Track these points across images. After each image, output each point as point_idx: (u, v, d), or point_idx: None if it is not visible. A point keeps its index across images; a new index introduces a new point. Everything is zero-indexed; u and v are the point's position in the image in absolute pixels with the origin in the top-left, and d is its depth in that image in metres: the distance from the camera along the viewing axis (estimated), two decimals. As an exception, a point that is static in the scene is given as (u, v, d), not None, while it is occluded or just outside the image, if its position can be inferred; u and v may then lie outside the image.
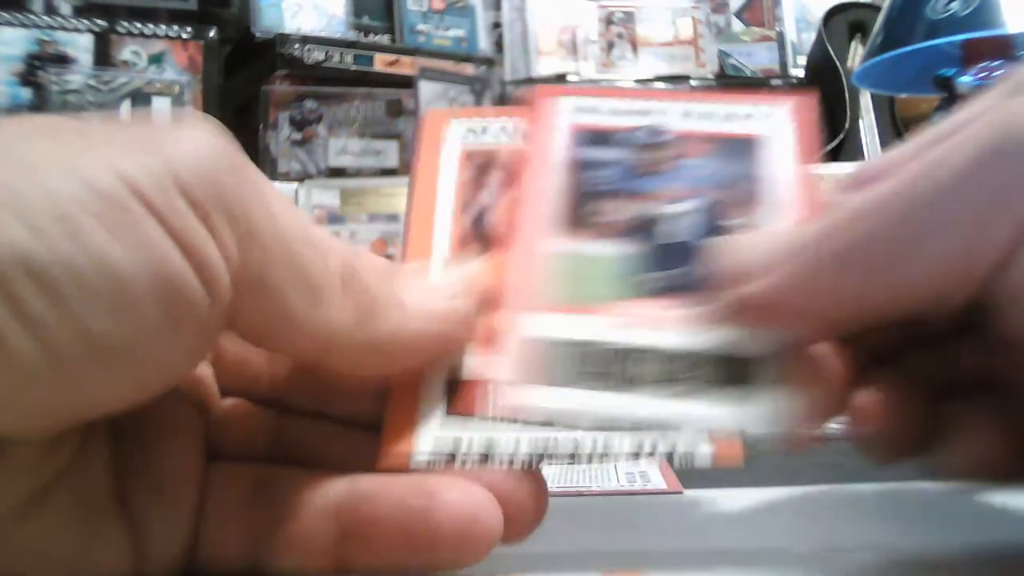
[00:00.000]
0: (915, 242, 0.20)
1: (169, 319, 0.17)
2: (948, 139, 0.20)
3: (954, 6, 0.81)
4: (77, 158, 0.17)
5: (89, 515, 0.19)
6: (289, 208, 0.20)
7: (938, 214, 0.20)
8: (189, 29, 1.10)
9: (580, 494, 0.33)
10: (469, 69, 1.17)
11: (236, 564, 0.21)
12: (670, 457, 0.22)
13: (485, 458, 0.22)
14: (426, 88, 1.13)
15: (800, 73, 1.24)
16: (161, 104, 1.08)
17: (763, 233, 0.24)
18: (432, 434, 0.22)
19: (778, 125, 0.28)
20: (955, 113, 0.22)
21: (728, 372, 0.23)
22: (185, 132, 0.19)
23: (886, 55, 0.87)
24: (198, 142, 0.18)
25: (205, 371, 0.23)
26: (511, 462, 0.22)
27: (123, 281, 0.16)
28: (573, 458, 0.22)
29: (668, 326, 0.24)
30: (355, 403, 0.23)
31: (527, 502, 0.21)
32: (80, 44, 1.05)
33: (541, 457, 0.22)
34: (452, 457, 0.22)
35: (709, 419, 0.22)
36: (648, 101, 0.28)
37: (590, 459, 0.22)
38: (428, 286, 0.23)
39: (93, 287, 0.16)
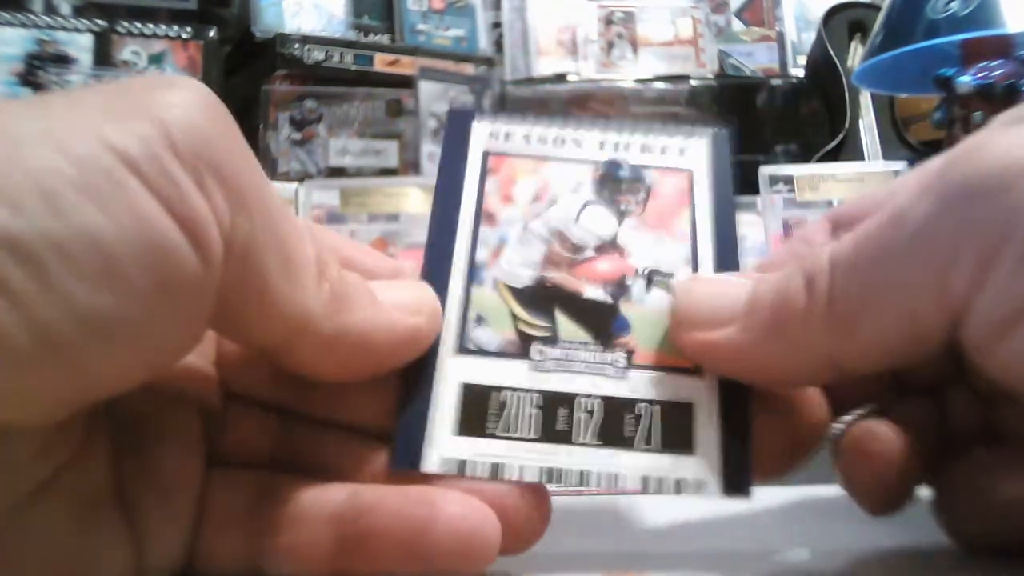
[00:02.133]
0: (880, 293, 0.20)
1: (160, 288, 0.17)
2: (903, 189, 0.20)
3: (954, 6, 0.81)
4: (63, 131, 0.16)
5: (89, 514, 0.19)
6: (268, 182, 0.19)
7: (902, 264, 0.20)
8: (189, 29, 1.10)
9: (580, 494, 0.33)
10: (469, 69, 1.17)
11: (234, 568, 0.21)
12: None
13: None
14: (426, 88, 1.13)
15: (800, 73, 1.24)
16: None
17: (727, 281, 0.24)
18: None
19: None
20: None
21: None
22: (175, 92, 0.18)
23: (886, 55, 0.87)
24: (189, 101, 0.18)
25: (209, 373, 0.23)
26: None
27: (111, 252, 0.16)
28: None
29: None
30: (361, 410, 0.23)
31: (529, 516, 0.21)
32: (80, 44, 1.05)
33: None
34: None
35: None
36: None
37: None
38: (402, 285, 0.23)
39: (80, 261, 0.16)
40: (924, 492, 0.25)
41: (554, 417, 0.23)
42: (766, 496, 0.31)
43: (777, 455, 0.24)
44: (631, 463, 0.23)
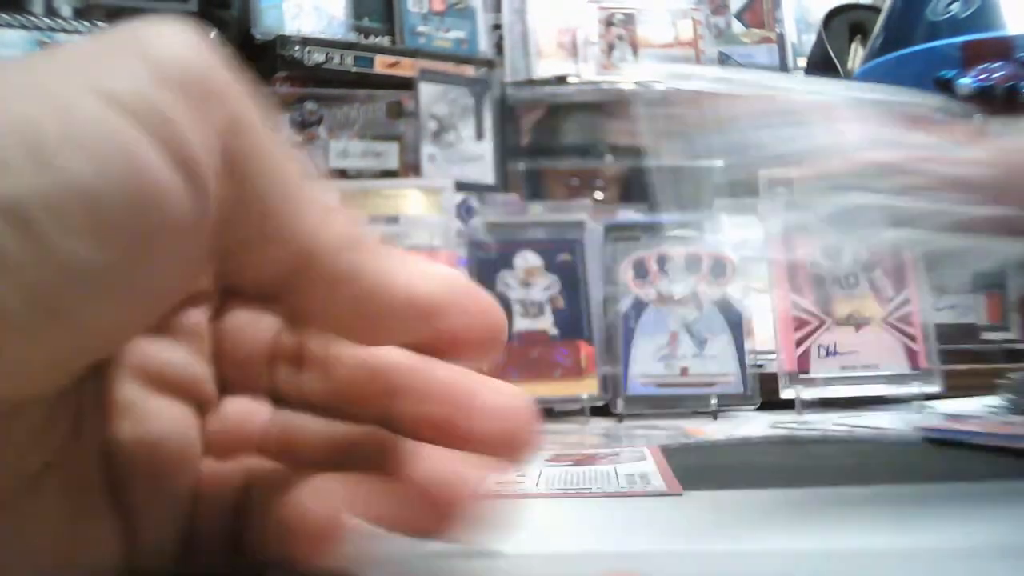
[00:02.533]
0: None
1: (155, 235, 0.16)
2: None
3: (954, 8, 0.81)
4: (51, 83, 0.16)
5: (82, 502, 0.19)
6: (264, 113, 0.19)
7: None
8: (190, 31, 1.10)
9: (580, 495, 0.33)
10: (469, 71, 1.17)
11: (227, 559, 0.21)
12: None
13: None
14: (426, 90, 1.13)
15: (800, 75, 1.24)
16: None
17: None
18: None
19: None
20: None
21: None
22: (159, 28, 0.18)
23: (886, 56, 0.87)
24: (175, 36, 0.17)
25: (203, 371, 0.23)
26: None
27: (101, 203, 0.15)
28: None
29: None
30: (361, 402, 0.22)
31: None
32: (81, 46, 1.05)
33: None
34: None
35: None
36: None
37: None
38: (424, 260, 0.21)
39: (70, 216, 0.15)
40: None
41: None
42: (767, 495, 0.31)
43: None
44: None
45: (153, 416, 0.21)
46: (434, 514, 0.20)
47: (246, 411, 0.23)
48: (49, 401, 0.18)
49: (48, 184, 0.15)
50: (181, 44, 0.17)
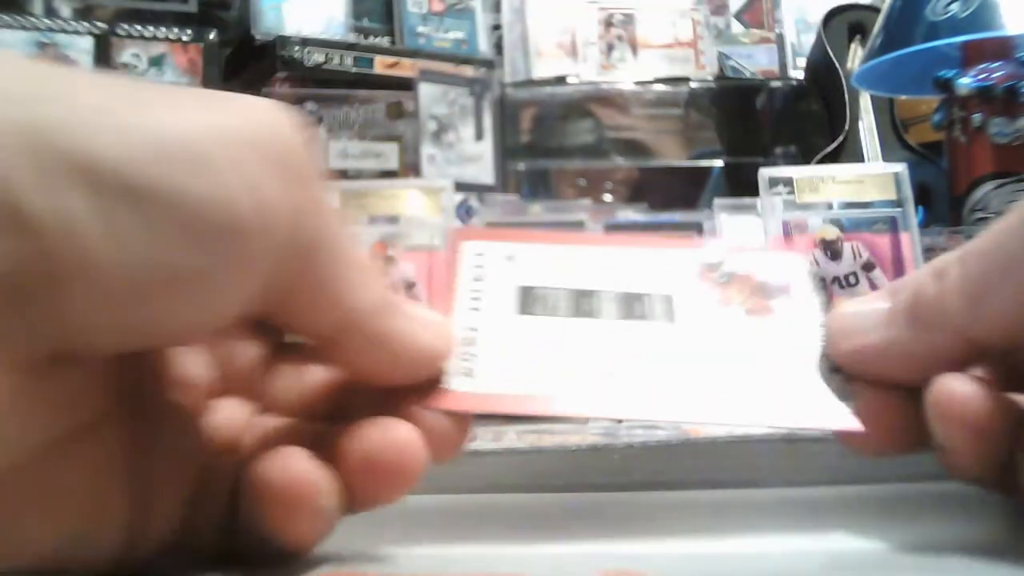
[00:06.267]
0: (1006, 271, 0.23)
1: (235, 252, 0.19)
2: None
3: (954, 8, 0.81)
4: (165, 107, 0.19)
5: (103, 474, 0.21)
6: (330, 196, 0.23)
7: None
8: (189, 31, 1.10)
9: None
10: (469, 71, 1.17)
11: (217, 547, 0.23)
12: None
13: None
14: (426, 90, 1.13)
15: (800, 75, 1.24)
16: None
17: (871, 298, 0.28)
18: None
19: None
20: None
21: None
22: (260, 104, 0.21)
23: (886, 57, 0.87)
24: (272, 113, 0.21)
25: (204, 376, 0.25)
26: None
27: (206, 214, 0.19)
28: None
29: None
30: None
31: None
32: (80, 47, 1.05)
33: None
34: None
35: None
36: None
37: None
38: (424, 309, 0.26)
39: (181, 217, 0.18)
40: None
41: None
42: (767, 495, 0.31)
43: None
44: None
45: (170, 408, 0.24)
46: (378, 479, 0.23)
47: (231, 412, 0.26)
48: (91, 367, 0.20)
49: (169, 185, 0.18)
50: (277, 122, 0.21)
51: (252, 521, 0.22)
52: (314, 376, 0.26)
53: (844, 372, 0.27)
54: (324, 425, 0.24)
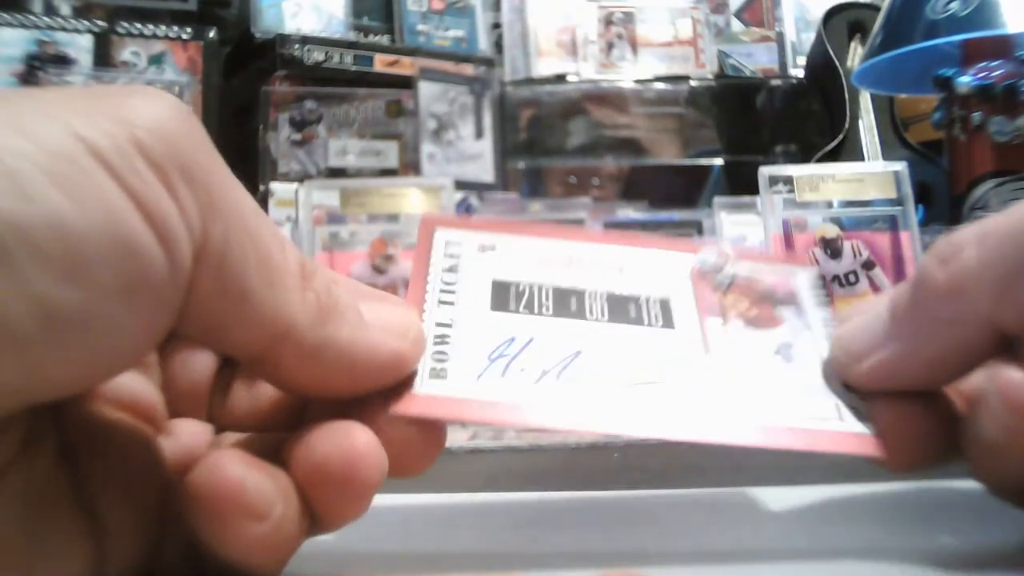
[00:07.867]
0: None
1: (126, 285, 0.16)
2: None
3: (953, 6, 0.81)
4: (29, 118, 0.16)
5: (41, 513, 0.19)
6: (243, 188, 0.19)
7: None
8: (189, 30, 1.10)
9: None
10: (469, 69, 1.17)
11: (191, 571, 0.21)
12: None
13: None
14: (426, 88, 1.13)
15: (799, 73, 1.24)
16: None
17: (867, 306, 0.26)
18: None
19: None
20: None
21: None
22: (143, 98, 0.18)
23: (886, 55, 0.87)
24: (157, 107, 0.18)
25: (157, 397, 0.24)
26: None
27: (77, 243, 0.15)
28: None
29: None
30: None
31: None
32: (80, 45, 1.05)
33: None
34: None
35: None
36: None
37: None
38: (389, 307, 0.23)
39: (45, 250, 0.15)
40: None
41: None
42: (768, 495, 0.31)
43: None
44: None
45: (118, 428, 0.22)
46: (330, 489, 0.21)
47: (194, 431, 0.24)
48: None
49: (27, 214, 0.15)
50: (162, 117, 0.17)
51: (197, 537, 0.20)
52: (270, 387, 0.24)
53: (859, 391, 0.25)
54: (285, 435, 0.22)
